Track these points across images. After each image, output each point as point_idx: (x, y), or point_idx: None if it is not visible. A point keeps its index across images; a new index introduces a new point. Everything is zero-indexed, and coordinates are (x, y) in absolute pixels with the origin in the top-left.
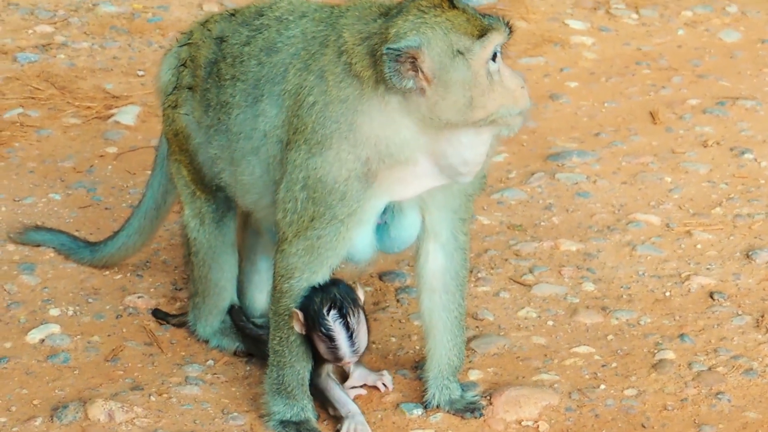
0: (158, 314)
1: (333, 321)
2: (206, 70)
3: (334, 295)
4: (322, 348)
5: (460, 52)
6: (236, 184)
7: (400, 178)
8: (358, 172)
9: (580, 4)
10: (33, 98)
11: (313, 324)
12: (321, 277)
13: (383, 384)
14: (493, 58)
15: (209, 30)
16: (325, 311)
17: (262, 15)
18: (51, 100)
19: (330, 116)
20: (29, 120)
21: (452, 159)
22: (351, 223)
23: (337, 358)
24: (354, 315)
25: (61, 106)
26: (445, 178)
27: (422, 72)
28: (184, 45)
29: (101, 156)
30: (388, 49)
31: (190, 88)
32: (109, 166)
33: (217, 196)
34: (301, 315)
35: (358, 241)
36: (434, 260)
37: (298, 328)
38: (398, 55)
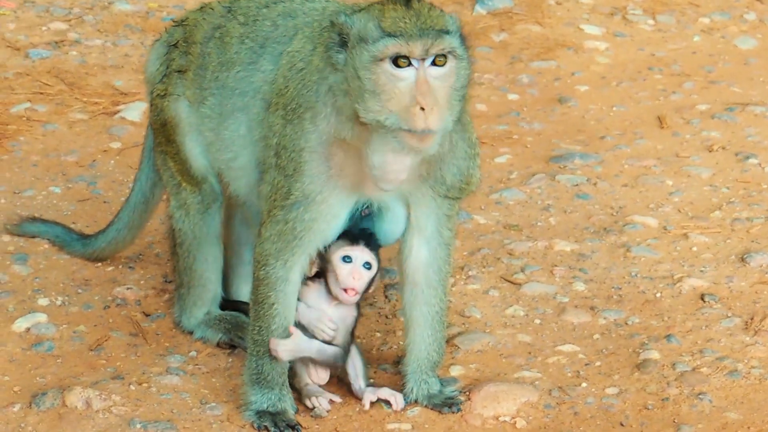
0: None
1: (355, 241)
2: (206, 40)
3: (365, 230)
4: (334, 264)
5: (363, 40)
6: (217, 140)
7: (355, 171)
8: (319, 153)
9: (597, 10)
10: (41, 93)
11: (332, 247)
12: (296, 266)
13: (395, 400)
14: (396, 63)
15: (212, 8)
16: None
17: None
18: (59, 96)
19: (307, 84)
20: (36, 114)
21: (366, 158)
22: (316, 213)
23: (345, 282)
24: (375, 250)
25: (69, 102)
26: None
27: (347, 49)
28: (177, 26)
29: (105, 151)
30: (330, 20)
31: (180, 71)
32: (112, 161)
33: (202, 187)
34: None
35: (333, 235)
36: (418, 254)
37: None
38: (333, 25)
